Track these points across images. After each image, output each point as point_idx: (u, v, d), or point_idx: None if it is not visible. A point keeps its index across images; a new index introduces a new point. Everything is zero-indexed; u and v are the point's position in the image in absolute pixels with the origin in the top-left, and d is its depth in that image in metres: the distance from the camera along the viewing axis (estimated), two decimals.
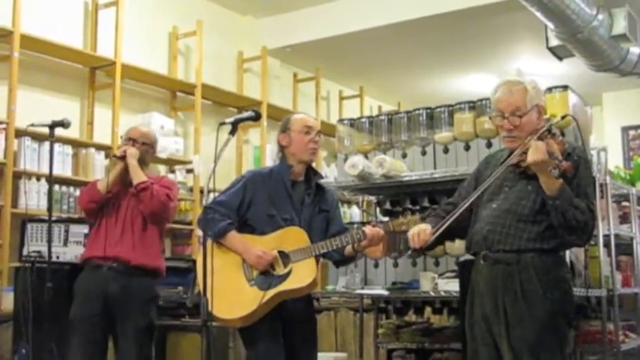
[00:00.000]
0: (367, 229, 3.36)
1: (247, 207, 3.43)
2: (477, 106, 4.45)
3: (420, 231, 3.02)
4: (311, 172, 3.54)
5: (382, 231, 3.36)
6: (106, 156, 5.89)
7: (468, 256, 3.22)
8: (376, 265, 4.82)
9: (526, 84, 2.99)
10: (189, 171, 6.78)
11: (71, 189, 5.67)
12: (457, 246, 4.29)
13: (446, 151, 4.53)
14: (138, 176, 3.87)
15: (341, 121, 5.14)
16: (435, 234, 2.99)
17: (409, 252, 3.06)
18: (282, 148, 3.53)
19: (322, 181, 3.68)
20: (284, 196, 3.45)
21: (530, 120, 2.95)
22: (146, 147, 4.01)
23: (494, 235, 2.93)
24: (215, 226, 3.35)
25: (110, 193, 3.88)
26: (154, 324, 3.94)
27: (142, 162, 3.95)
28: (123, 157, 3.90)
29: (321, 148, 3.56)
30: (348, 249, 3.42)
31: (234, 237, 3.38)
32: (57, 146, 5.46)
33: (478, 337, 2.96)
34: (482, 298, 2.95)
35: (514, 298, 2.85)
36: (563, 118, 3.13)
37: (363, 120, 4.95)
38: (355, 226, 4.21)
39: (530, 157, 2.77)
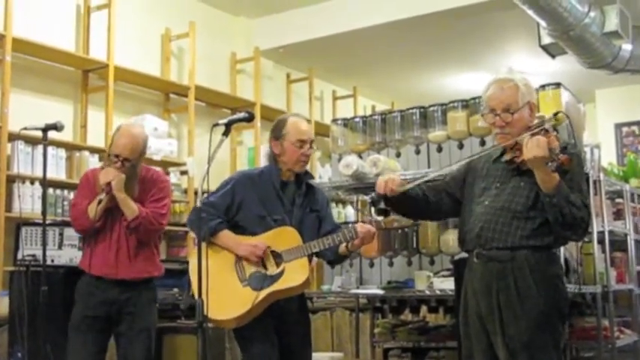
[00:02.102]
0: (359, 226, 3.34)
1: (237, 209, 3.43)
2: (470, 105, 4.46)
3: (389, 179, 3.03)
4: (301, 173, 3.54)
5: (374, 228, 3.35)
6: (100, 159, 5.88)
7: (463, 255, 3.23)
8: (371, 265, 4.83)
9: (517, 81, 2.99)
10: (184, 173, 6.79)
11: (65, 192, 5.65)
12: (452, 244, 4.30)
13: (439, 150, 4.55)
14: (128, 210, 3.73)
15: (335, 121, 5.15)
16: (404, 185, 3.01)
17: (370, 199, 3.06)
18: (273, 154, 3.52)
19: (316, 181, 3.68)
20: (274, 197, 3.45)
21: (523, 116, 2.95)
22: (134, 161, 3.79)
23: (488, 233, 2.93)
24: (206, 226, 3.34)
25: (102, 219, 3.78)
26: (156, 324, 3.94)
27: (133, 174, 3.82)
28: (109, 192, 3.72)
29: (314, 151, 3.54)
30: (342, 248, 3.41)
31: (225, 235, 3.38)
32: (50, 149, 5.45)
33: (472, 335, 2.97)
34: (476, 295, 2.95)
35: (508, 296, 2.86)
36: (555, 114, 3.13)
37: (357, 120, 4.96)
38: (350, 225, 4.21)
39: (531, 153, 2.73)
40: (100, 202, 3.72)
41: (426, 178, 3.01)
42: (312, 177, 3.63)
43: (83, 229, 3.83)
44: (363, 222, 3.40)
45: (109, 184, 3.71)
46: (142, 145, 3.83)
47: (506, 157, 2.94)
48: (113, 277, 3.76)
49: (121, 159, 3.74)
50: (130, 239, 3.80)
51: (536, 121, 2.93)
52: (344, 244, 3.39)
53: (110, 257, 3.77)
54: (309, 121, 3.64)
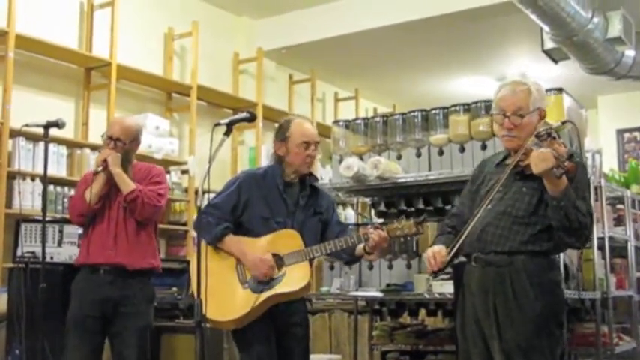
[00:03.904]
0: (373, 234, 3.33)
1: (243, 208, 3.43)
2: (471, 109, 4.44)
3: (435, 253, 2.99)
4: (306, 175, 3.53)
5: (386, 233, 3.35)
6: None
7: (462, 258, 3.23)
8: (370, 267, 4.82)
9: (530, 85, 2.99)
10: (185, 172, 6.78)
11: (66, 189, 5.65)
12: None
13: (441, 153, 4.53)
14: (125, 185, 3.79)
15: (336, 122, 5.13)
16: (450, 253, 2.98)
17: (431, 276, 3.04)
18: (277, 156, 3.51)
19: (317, 183, 3.66)
20: (277, 198, 3.45)
21: (531, 121, 2.95)
22: (129, 145, 3.88)
23: (488, 237, 2.93)
24: (212, 231, 3.35)
25: (99, 204, 3.82)
26: (151, 324, 3.93)
27: (127, 160, 3.89)
28: (105, 168, 3.80)
29: (319, 152, 3.54)
30: (359, 250, 3.41)
31: (231, 241, 3.38)
32: (52, 147, 5.45)
33: (469, 339, 2.97)
34: (473, 299, 2.95)
35: (505, 301, 2.86)
36: (563, 123, 3.12)
37: (359, 122, 4.95)
38: (350, 227, 4.21)
39: (540, 168, 2.71)
40: (96, 173, 3.80)
41: (461, 239, 2.98)
42: (316, 179, 3.62)
43: (81, 214, 3.85)
44: (374, 228, 3.40)
45: (105, 160, 3.80)
46: (133, 128, 3.94)
47: (515, 161, 2.92)
48: (111, 262, 3.76)
49: (113, 139, 3.84)
50: (129, 224, 3.83)
51: (542, 129, 2.92)
52: (361, 246, 3.39)
53: (108, 241, 3.80)
54: (311, 122, 3.64)
